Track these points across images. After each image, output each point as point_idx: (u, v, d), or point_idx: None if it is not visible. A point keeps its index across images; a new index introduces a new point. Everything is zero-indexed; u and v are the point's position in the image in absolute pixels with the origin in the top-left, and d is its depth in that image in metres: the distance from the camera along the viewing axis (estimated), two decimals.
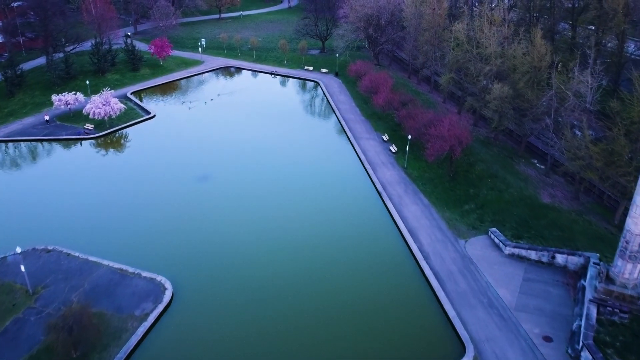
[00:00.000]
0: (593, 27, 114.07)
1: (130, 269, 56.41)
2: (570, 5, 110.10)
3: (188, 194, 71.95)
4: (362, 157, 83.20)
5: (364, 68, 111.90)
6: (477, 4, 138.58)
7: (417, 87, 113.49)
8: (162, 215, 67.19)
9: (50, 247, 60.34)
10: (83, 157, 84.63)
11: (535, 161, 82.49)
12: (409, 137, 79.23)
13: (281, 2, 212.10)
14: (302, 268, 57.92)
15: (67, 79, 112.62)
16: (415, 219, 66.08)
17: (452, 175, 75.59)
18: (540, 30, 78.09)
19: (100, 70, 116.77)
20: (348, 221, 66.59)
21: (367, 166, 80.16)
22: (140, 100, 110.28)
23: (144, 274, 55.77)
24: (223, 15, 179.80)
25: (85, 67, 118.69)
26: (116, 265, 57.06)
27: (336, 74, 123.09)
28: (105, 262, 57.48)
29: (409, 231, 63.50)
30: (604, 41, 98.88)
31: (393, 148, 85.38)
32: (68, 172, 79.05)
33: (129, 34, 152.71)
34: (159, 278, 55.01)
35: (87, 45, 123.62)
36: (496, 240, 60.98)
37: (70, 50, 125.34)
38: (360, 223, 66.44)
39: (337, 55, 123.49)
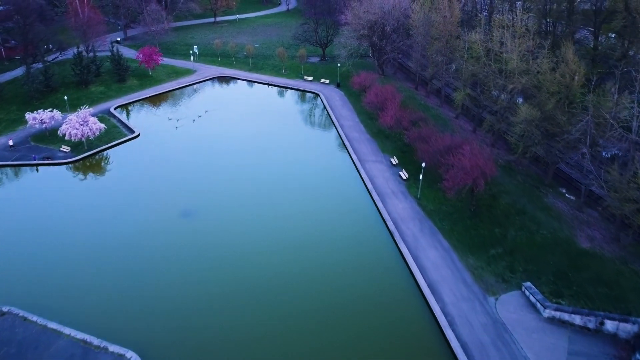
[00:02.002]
0: (614, 35, 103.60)
1: (96, 341, 45.76)
2: (591, 7, 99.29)
3: (169, 238, 61.02)
4: (369, 185, 72.43)
5: (368, 80, 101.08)
6: (492, 11, 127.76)
7: (425, 101, 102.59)
8: (137, 269, 56.31)
9: (5, 309, 49.68)
10: (51, 189, 73.27)
11: (564, 190, 71.89)
12: (423, 164, 68.39)
13: (279, 4, 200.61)
14: (304, 338, 47.34)
15: (46, 92, 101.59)
16: (435, 269, 55.41)
17: (473, 210, 64.93)
18: (572, 45, 67.25)
19: (84, 82, 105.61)
20: (357, 273, 55.86)
21: (375, 196, 69.43)
22: (127, 113, 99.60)
23: (111, 347, 45.12)
24: (218, 19, 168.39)
25: (68, 79, 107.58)
26: (79, 336, 46.44)
27: (338, 85, 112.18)
28: (67, 331, 46.84)
29: (429, 286, 52.86)
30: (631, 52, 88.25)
31: (404, 174, 74.61)
32: (31, 208, 67.84)
33: (118, 39, 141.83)
34: (129, 355, 44.34)
35: (70, 53, 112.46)
36: (532, 298, 50.44)
37: (52, 59, 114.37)
38: (372, 276, 55.61)
39: (338, 64, 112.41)
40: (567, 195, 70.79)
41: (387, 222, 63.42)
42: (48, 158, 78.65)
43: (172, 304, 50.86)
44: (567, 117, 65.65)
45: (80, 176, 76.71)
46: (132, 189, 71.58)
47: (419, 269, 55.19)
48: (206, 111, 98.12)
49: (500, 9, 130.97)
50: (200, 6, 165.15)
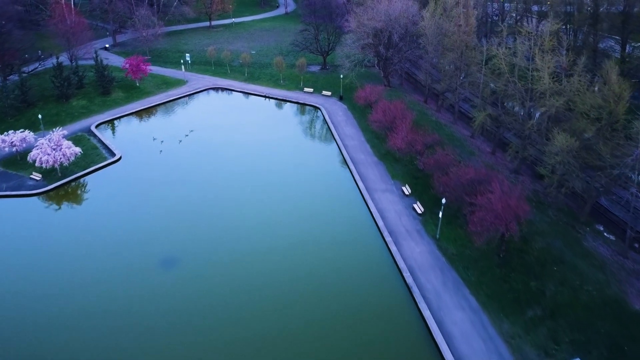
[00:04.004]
0: None
1: None
2: (619, 13, 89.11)
3: (145, 297, 50.60)
4: (380, 222, 62.08)
5: (374, 94, 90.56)
6: (504, 18, 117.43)
7: (437, 116, 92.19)
8: (115, 324, 46.12)
9: None
10: (14, 225, 62.73)
11: (601, 227, 61.80)
12: (443, 201, 58.03)
13: (277, 7, 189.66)
14: None
15: (22, 108, 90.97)
16: (464, 339, 45.19)
17: (503, 256, 54.70)
18: (616, 65, 56.96)
19: (64, 95, 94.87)
20: (371, 341, 45.61)
21: (387, 237, 59.12)
22: (112, 130, 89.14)
23: None
24: (213, 23, 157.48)
25: (47, 92, 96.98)
26: None
27: (340, 98, 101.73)
28: None
29: None
30: None
31: (418, 207, 64.30)
32: None
33: (107, 46, 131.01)
34: None
35: (50, 63, 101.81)
36: None
37: (31, 70, 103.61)
38: (387, 344, 45.42)
39: (341, 76, 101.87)
40: (605, 234, 60.69)
41: (403, 272, 53.12)
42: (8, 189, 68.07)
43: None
44: (611, 148, 55.45)
45: (51, 210, 66.34)
46: (109, 226, 61.16)
47: (445, 339, 44.98)
48: (191, 131, 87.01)
49: (513, 15, 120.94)
50: (195, 10, 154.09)
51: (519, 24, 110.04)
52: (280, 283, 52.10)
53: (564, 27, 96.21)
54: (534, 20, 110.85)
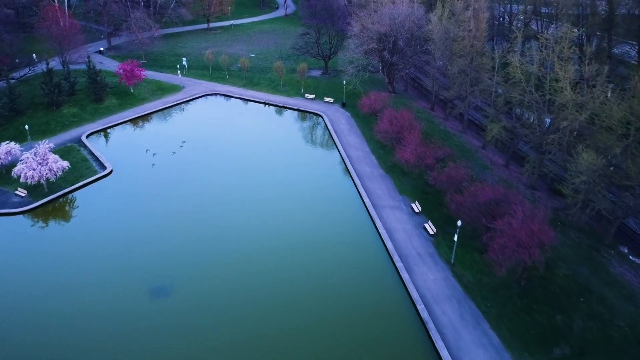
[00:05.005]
0: None
1: None
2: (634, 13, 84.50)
3: (135, 331, 45.83)
4: (389, 244, 57.23)
5: (379, 102, 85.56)
6: (512, 21, 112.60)
7: (444, 125, 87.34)
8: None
9: None
10: None
11: (626, 250, 57.13)
12: (459, 223, 53.17)
13: (277, 8, 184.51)
14: None
15: (11, 117, 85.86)
16: None
17: (524, 284, 49.93)
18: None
19: (54, 102, 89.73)
20: None
21: (398, 261, 54.25)
22: (106, 139, 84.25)
23: None
24: (212, 25, 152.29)
25: (37, 99, 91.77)
26: None
27: (343, 105, 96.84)
28: None
29: None
30: None
31: (430, 227, 59.47)
32: None
33: (102, 49, 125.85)
34: None
35: (40, 68, 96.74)
36: None
37: (21, 76, 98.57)
38: None
39: (344, 82, 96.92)
40: (631, 257, 56.00)
41: (417, 304, 48.28)
42: None
43: None
44: (638, 167, 50.68)
45: (36, 229, 61.35)
46: (97, 248, 56.22)
47: None
48: (184, 141, 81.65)
49: (520, 18, 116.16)
50: (192, 12, 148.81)
51: (527, 27, 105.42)
52: (284, 322, 47.18)
53: (575, 30, 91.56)
54: (543, 23, 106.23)
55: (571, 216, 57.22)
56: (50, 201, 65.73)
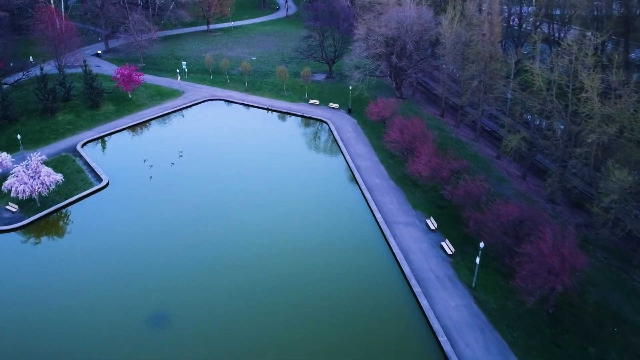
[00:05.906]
0: None
1: None
2: None
3: (131, 350, 41.84)
4: (405, 266, 53.14)
5: (388, 109, 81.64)
6: (521, 24, 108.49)
7: (456, 133, 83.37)
8: None
9: None
10: None
11: None
12: (481, 245, 49.17)
13: (278, 9, 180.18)
14: None
15: (3, 125, 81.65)
16: None
17: (553, 312, 46.01)
18: None
19: (49, 109, 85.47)
20: None
21: (416, 286, 50.15)
22: (101, 149, 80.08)
23: None
24: (212, 27, 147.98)
25: (31, 105, 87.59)
26: None
27: (349, 111, 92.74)
28: None
29: None
30: None
31: (448, 247, 55.44)
32: None
33: (99, 52, 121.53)
34: None
35: (34, 73, 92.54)
36: None
37: (14, 82, 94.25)
38: None
39: (350, 88, 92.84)
40: None
41: (439, 335, 44.30)
42: None
43: None
44: None
45: (28, 248, 57.25)
46: (93, 270, 52.08)
47: None
48: (181, 151, 77.34)
49: (530, 20, 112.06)
50: (192, 14, 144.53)
51: (538, 29, 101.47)
52: (290, 352, 43.24)
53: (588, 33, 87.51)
54: (555, 26, 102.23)
55: (599, 235, 53.29)
56: (43, 217, 61.55)
